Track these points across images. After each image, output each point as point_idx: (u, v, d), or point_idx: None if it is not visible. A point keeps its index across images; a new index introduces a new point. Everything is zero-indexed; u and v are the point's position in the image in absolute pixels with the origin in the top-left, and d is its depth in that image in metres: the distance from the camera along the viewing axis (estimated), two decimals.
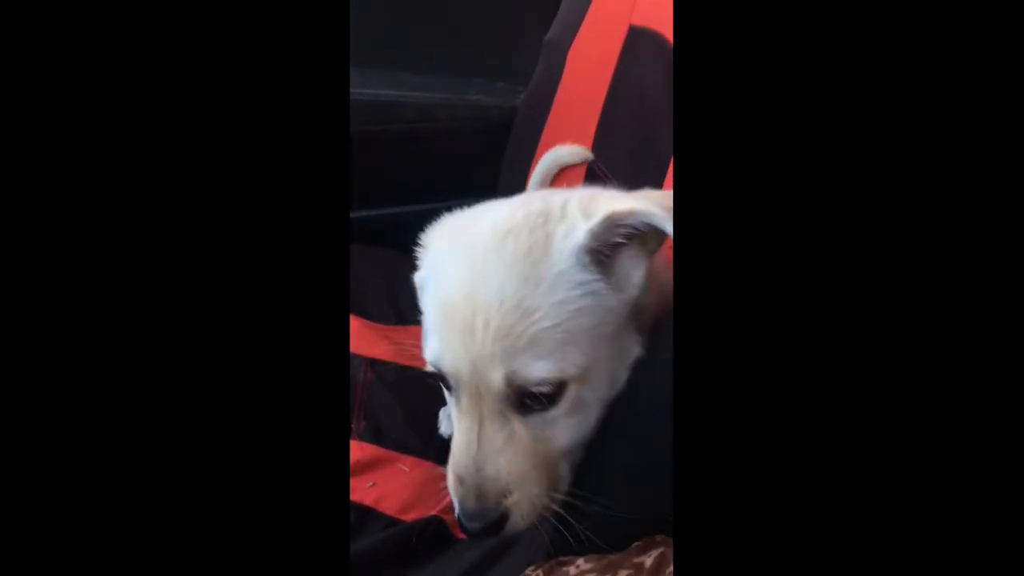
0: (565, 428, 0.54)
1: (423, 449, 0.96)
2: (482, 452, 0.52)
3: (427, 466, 0.94)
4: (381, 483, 0.90)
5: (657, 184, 0.79)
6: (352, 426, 0.97)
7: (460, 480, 0.53)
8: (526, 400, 0.52)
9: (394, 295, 1.24)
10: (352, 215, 1.34)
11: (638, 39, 0.89)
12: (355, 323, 1.15)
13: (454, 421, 0.56)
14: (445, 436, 1.01)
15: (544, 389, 0.51)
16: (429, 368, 0.56)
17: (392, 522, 0.85)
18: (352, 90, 1.23)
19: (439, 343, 0.53)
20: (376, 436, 0.96)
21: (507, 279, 0.50)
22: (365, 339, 1.13)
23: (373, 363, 1.09)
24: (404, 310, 1.21)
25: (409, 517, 0.86)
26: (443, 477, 0.92)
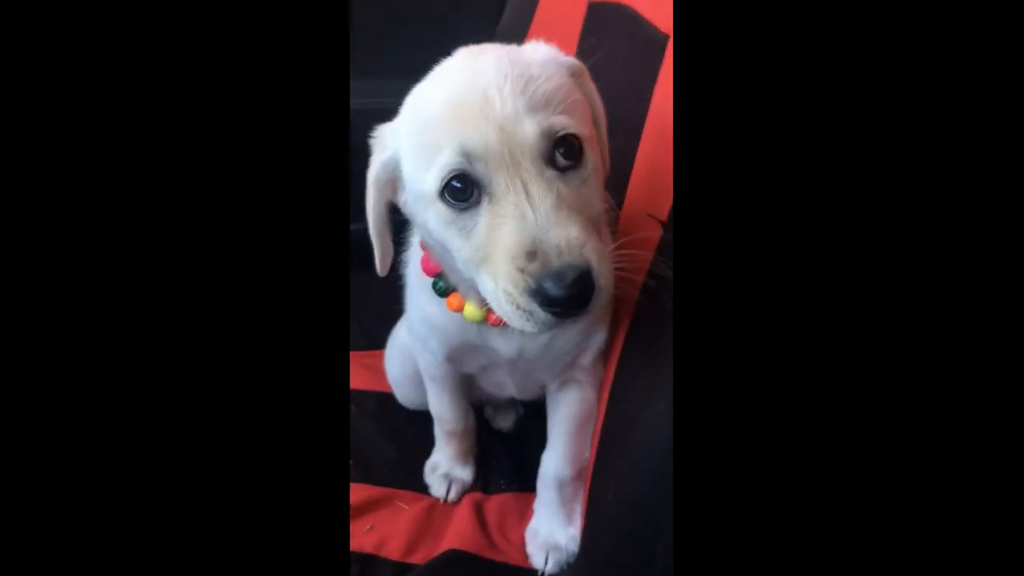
0: (595, 190, 0.57)
1: (421, 482, 0.89)
2: (541, 213, 0.51)
3: (426, 500, 0.87)
4: (380, 525, 0.81)
5: (628, 161, 0.75)
6: None
7: (532, 252, 0.50)
8: (558, 155, 0.54)
9: (363, 318, 1.16)
10: None
11: (600, 14, 0.84)
12: None
13: (488, 220, 0.53)
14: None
15: (571, 130, 0.53)
16: (449, 174, 0.53)
17: (400, 567, 0.77)
18: None
19: (458, 132, 0.53)
20: (367, 474, 0.87)
21: (502, 62, 0.54)
22: None
23: (351, 394, 1.00)
24: (374, 334, 1.13)
25: (416, 559, 0.78)
26: (447, 509, 0.87)
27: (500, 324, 0.65)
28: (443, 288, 0.67)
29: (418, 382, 0.90)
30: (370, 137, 0.62)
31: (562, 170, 0.54)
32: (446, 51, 0.64)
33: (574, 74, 0.60)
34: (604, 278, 0.52)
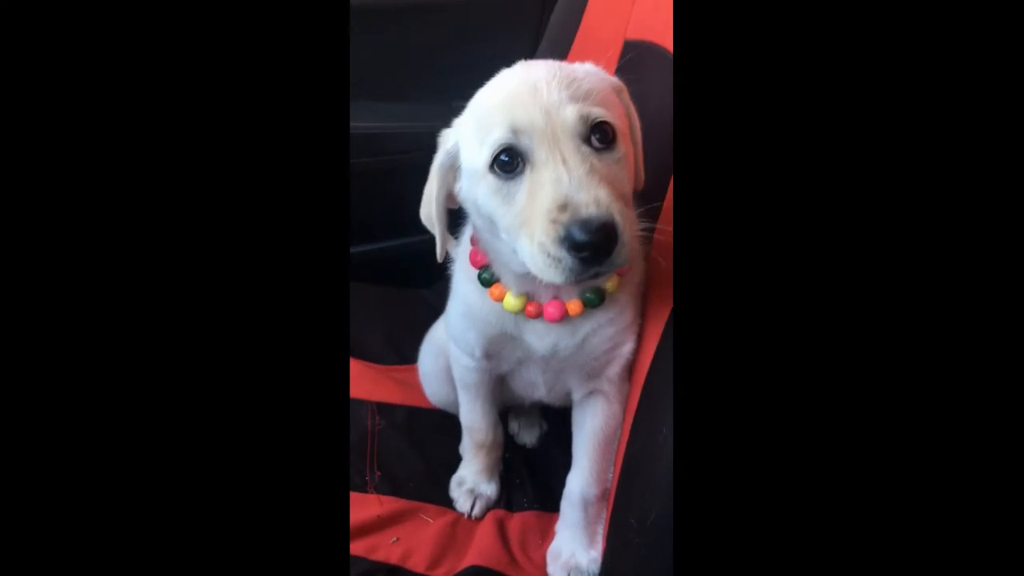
0: (626, 172, 0.64)
1: (445, 496, 0.91)
2: (575, 177, 0.58)
3: (450, 515, 0.89)
4: (405, 537, 0.84)
5: (659, 196, 0.78)
6: (367, 478, 0.91)
7: (564, 206, 0.57)
8: (593, 138, 0.61)
9: (394, 333, 1.19)
10: None
11: (635, 52, 0.87)
12: (355, 365, 1.10)
13: (528, 187, 0.60)
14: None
15: (606, 119, 0.61)
16: (499, 147, 0.61)
17: None
18: None
19: (509, 114, 0.60)
20: (393, 487, 0.90)
21: (552, 67, 0.64)
22: (369, 381, 1.07)
23: (380, 407, 1.04)
24: (404, 348, 1.16)
25: (440, 572, 0.81)
26: (470, 525, 0.89)
27: (536, 316, 0.73)
28: (487, 279, 0.74)
29: (448, 378, 0.94)
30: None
31: (596, 150, 0.62)
32: (482, 82, 0.71)
33: (615, 89, 0.69)
34: (626, 234, 0.58)
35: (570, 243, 0.56)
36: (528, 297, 0.72)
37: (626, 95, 0.70)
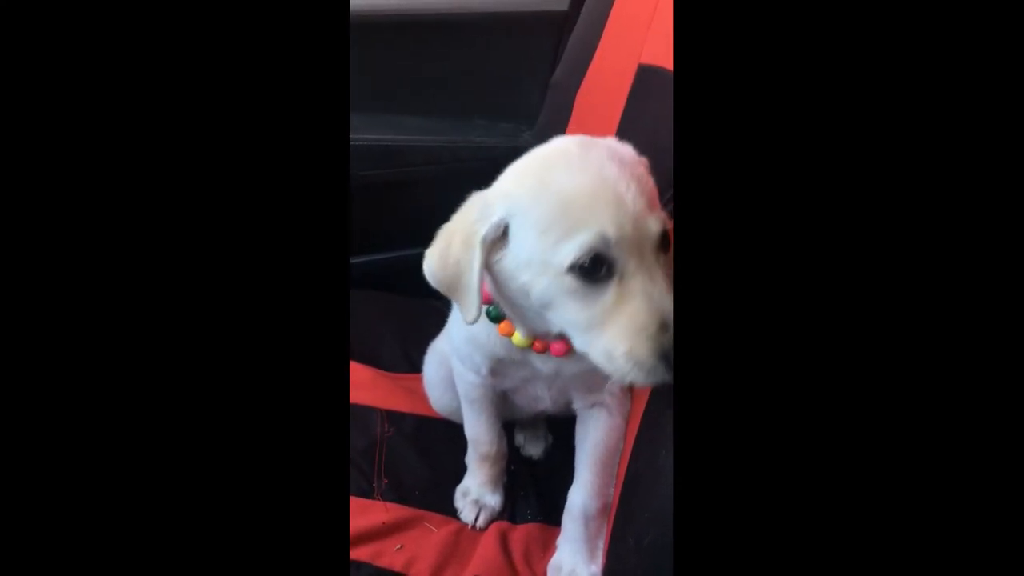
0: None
1: (450, 505, 0.93)
2: (664, 297, 0.61)
3: (454, 524, 0.91)
4: (410, 545, 0.86)
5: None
6: (373, 485, 0.93)
7: (664, 324, 0.60)
8: (661, 248, 0.64)
9: (406, 342, 1.21)
10: (359, 260, 1.32)
11: (648, 77, 0.89)
12: (368, 372, 1.13)
13: (615, 294, 0.62)
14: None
15: (667, 227, 0.64)
16: (588, 252, 0.61)
17: None
18: (357, 135, 1.23)
19: (599, 219, 0.61)
20: (399, 494, 0.92)
21: (614, 159, 0.64)
22: (380, 389, 1.10)
23: (390, 415, 1.06)
24: (416, 357, 1.19)
25: None
26: (474, 535, 0.91)
27: (543, 351, 0.75)
28: (496, 316, 0.75)
29: (450, 387, 0.96)
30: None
31: (663, 256, 0.65)
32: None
33: (646, 170, 0.68)
34: None
35: (668, 360, 0.59)
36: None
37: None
